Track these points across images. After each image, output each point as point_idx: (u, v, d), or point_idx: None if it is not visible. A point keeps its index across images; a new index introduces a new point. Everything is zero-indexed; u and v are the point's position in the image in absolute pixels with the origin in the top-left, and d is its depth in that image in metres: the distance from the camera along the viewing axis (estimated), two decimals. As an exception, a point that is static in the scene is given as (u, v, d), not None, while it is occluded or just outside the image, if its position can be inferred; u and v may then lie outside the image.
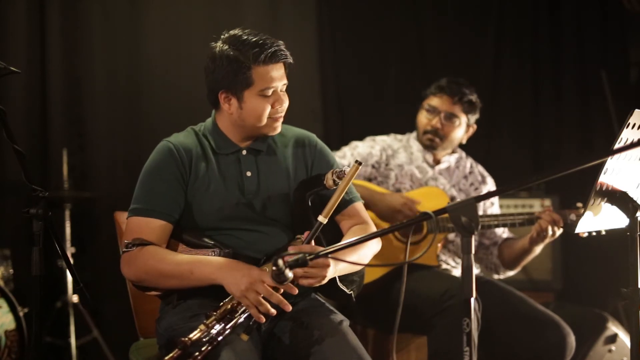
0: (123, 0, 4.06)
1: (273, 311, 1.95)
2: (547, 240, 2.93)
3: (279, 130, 2.24)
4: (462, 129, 3.23)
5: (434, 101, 3.21)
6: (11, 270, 3.54)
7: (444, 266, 3.14)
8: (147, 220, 2.13)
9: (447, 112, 3.18)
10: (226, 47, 2.14)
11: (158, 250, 2.10)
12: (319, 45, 4.36)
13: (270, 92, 2.16)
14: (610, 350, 3.31)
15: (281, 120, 2.23)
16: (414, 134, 3.31)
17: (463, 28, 4.56)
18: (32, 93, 3.89)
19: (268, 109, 2.17)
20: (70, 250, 3.72)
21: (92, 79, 4.00)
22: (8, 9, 3.85)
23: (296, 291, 1.97)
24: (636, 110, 1.93)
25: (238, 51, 2.12)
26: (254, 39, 2.13)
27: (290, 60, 2.18)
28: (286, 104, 2.21)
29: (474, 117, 3.25)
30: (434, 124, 3.20)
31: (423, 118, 3.24)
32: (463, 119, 3.21)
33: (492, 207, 3.24)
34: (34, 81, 3.89)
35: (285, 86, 2.21)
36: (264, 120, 2.18)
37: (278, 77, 2.16)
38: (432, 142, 3.21)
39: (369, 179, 3.20)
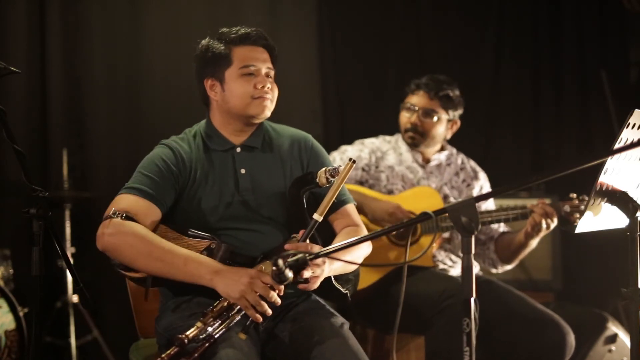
0: (123, 0, 4.06)
1: (270, 311, 1.95)
2: (542, 234, 2.93)
3: (267, 112, 2.24)
4: (443, 124, 3.22)
5: (413, 99, 3.23)
6: (11, 270, 3.54)
7: (441, 266, 3.14)
8: (137, 198, 2.11)
9: (424, 109, 3.19)
10: (207, 39, 2.27)
11: (149, 231, 2.07)
12: (319, 45, 4.36)
13: (250, 70, 2.19)
14: (610, 350, 3.31)
15: (269, 102, 2.22)
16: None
17: (463, 28, 4.56)
18: (32, 93, 3.89)
19: (249, 89, 2.19)
20: (70, 250, 3.72)
21: (92, 79, 4.00)
22: (8, 9, 3.85)
23: (282, 292, 1.97)
24: (636, 110, 1.93)
25: (217, 39, 2.24)
26: (234, 28, 2.25)
27: (270, 43, 2.25)
28: (271, 87, 2.22)
29: (455, 113, 3.24)
30: (412, 121, 3.20)
31: (403, 116, 3.25)
32: (442, 114, 3.20)
33: (486, 202, 3.23)
34: (34, 81, 3.89)
35: (270, 71, 2.24)
36: (247, 100, 2.19)
37: (259, 59, 2.21)
38: (414, 139, 3.22)
39: (360, 182, 3.19)
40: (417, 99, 3.21)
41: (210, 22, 4.09)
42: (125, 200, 2.12)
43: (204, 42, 2.27)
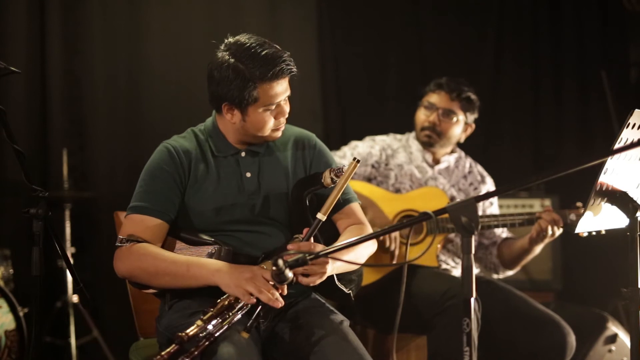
0: (123, 0, 4.06)
1: (281, 299, 1.94)
2: (546, 241, 2.93)
3: (280, 135, 2.24)
4: (460, 126, 3.22)
5: (433, 98, 3.22)
6: (11, 270, 3.54)
7: (444, 266, 3.14)
8: (143, 217, 2.13)
9: (444, 109, 3.19)
10: (232, 60, 2.09)
11: (153, 247, 2.10)
12: (319, 45, 4.36)
13: (273, 107, 2.16)
14: (610, 350, 3.31)
15: (283, 127, 2.23)
16: (413, 134, 3.31)
17: (463, 28, 4.57)
18: (32, 93, 3.88)
19: (272, 122, 2.17)
20: (70, 250, 3.72)
21: (92, 79, 4.00)
22: (8, 9, 3.85)
23: (286, 291, 1.97)
24: (636, 110, 1.94)
25: (244, 66, 2.08)
26: (262, 53, 2.09)
27: (294, 69, 2.15)
28: (288, 111, 2.21)
29: (472, 116, 3.25)
30: (431, 120, 3.20)
31: (421, 115, 3.24)
32: (461, 116, 3.21)
33: (492, 207, 3.24)
34: (34, 81, 3.89)
35: (287, 95, 2.20)
36: (267, 132, 2.19)
37: (282, 91, 2.15)
38: (430, 138, 3.21)
39: (369, 179, 3.19)
40: (437, 99, 3.21)
41: (210, 21, 4.10)
42: (131, 223, 2.14)
43: (222, 61, 2.11)
